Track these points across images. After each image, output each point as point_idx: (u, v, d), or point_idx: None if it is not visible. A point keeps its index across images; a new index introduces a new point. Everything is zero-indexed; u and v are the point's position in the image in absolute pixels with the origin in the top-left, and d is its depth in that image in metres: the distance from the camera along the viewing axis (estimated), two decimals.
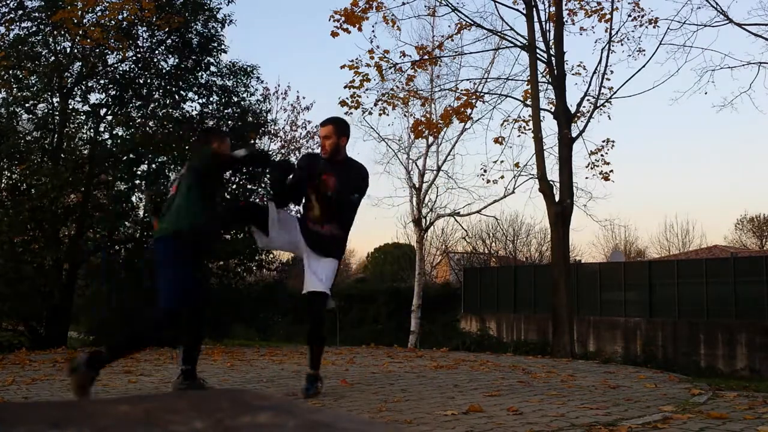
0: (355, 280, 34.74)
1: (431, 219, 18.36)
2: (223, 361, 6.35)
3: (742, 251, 30.71)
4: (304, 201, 4.35)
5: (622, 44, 12.44)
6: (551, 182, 11.59)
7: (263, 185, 12.60)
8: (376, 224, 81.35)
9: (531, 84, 11.88)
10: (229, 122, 12.17)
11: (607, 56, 11.96)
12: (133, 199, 11.58)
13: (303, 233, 4.26)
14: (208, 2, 11.85)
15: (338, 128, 4.29)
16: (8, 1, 10.94)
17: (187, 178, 3.95)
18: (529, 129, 12.44)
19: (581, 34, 12.67)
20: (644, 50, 12.31)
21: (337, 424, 0.61)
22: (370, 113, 13.22)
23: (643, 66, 14.09)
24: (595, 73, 12.08)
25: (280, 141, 22.16)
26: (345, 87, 12.07)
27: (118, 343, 3.95)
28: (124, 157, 10.90)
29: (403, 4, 11.88)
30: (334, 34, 11.34)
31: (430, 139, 16.54)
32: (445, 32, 21.01)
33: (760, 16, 34.67)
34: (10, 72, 10.47)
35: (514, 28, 14.57)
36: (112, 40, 10.75)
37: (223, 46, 12.17)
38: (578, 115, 12.09)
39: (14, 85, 10.70)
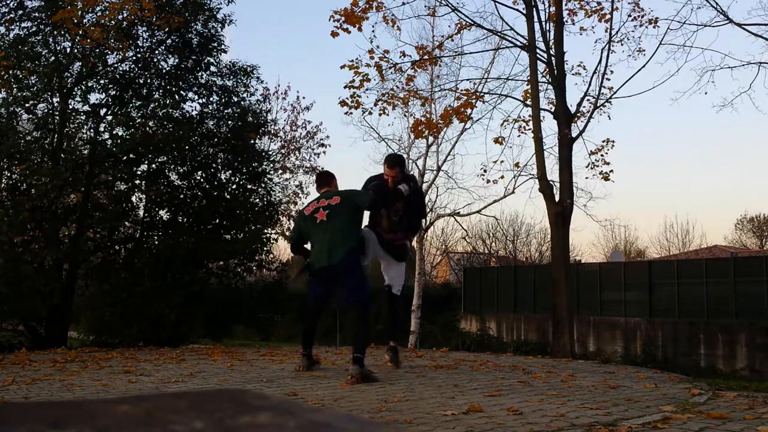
0: None
1: (431, 219, 18.38)
2: (223, 361, 6.35)
3: (742, 251, 30.72)
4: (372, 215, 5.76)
5: (622, 44, 12.46)
6: (551, 182, 11.59)
7: (263, 185, 12.60)
8: None
9: (531, 84, 11.88)
10: (229, 122, 12.16)
11: (607, 56, 11.98)
12: (133, 199, 11.56)
13: (379, 241, 5.64)
14: (208, 2, 11.83)
15: (402, 169, 5.69)
16: (8, 1, 10.93)
17: (348, 212, 5.26)
18: (529, 129, 12.45)
19: (581, 34, 12.69)
20: (644, 50, 12.34)
21: (337, 424, 0.61)
22: (370, 113, 13.23)
23: (643, 66, 14.13)
24: (595, 73, 12.10)
25: (280, 141, 22.22)
26: (345, 87, 12.10)
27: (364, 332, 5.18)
28: (124, 157, 10.88)
29: (403, 4, 11.90)
30: (334, 34, 11.35)
31: (430, 139, 16.55)
32: (445, 32, 21.05)
33: (760, 16, 34.74)
34: (10, 72, 10.45)
35: (514, 28, 14.60)
36: (112, 40, 10.74)
37: (223, 46, 12.16)
38: (578, 115, 12.09)
39: (14, 85, 10.68)
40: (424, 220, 6.13)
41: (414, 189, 5.78)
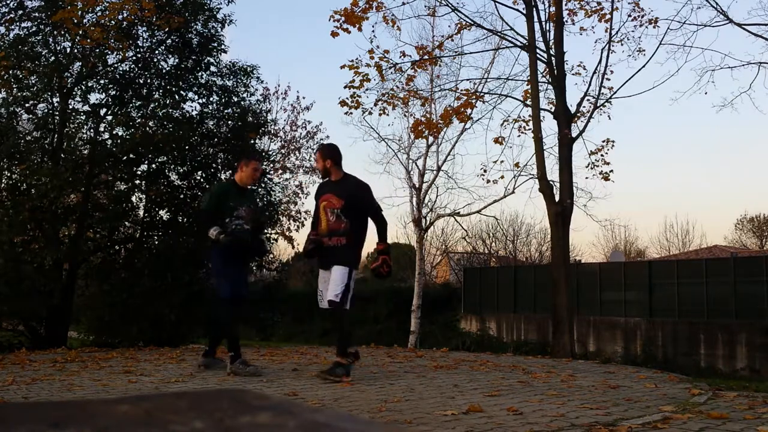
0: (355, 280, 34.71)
1: (431, 219, 18.38)
2: None
3: (742, 251, 30.71)
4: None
5: (622, 44, 12.47)
6: (551, 182, 11.59)
7: (263, 185, 12.59)
8: None
9: (531, 84, 11.88)
10: (229, 122, 12.16)
11: (607, 56, 11.98)
12: (133, 199, 11.56)
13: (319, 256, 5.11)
14: (208, 2, 11.83)
15: (322, 153, 5.14)
16: (8, 1, 10.93)
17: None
18: (529, 129, 12.45)
19: (581, 34, 12.69)
20: (644, 50, 12.34)
21: (337, 424, 0.61)
22: (370, 113, 13.25)
23: (643, 66, 14.14)
24: (595, 73, 12.09)
25: (280, 141, 22.22)
26: (345, 87, 12.11)
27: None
28: (124, 157, 10.88)
29: (403, 4, 11.90)
30: (334, 34, 11.35)
31: (430, 139, 16.55)
32: (445, 32, 21.03)
33: (760, 16, 34.75)
34: (10, 72, 10.45)
35: (514, 28, 14.62)
36: (112, 40, 10.74)
37: (223, 46, 12.16)
38: (578, 115, 12.09)
39: (14, 85, 10.68)
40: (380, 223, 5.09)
41: (357, 185, 5.10)
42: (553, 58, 11.77)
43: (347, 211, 4.94)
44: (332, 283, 4.87)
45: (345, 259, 4.92)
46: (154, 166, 11.63)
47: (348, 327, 5.14)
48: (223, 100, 12.19)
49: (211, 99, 12.14)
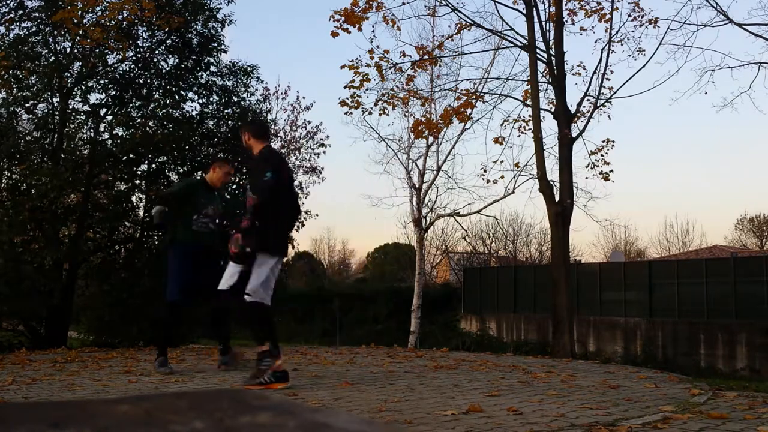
0: (355, 280, 34.80)
1: (431, 219, 18.37)
2: None
3: (742, 251, 30.71)
4: None
5: (622, 44, 12.47)
6: (551, 182, 11.59)
7: None
8: (376, 224, 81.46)
9: (531, 84, 11.88)
10: (229, 122, 12.16)
11: (607, 56, 11.98)
12: (133, 199, 11.57)
13: None
14: (208, 2, 11.84)
15: (243, 128, 4.89)
16: (8, 1, 10.94)
17: None
18: (529, 129, 12.45)
19: (581, 34, 12.69)
20: (644, 50, 12.34)
21: (337, 424, 0.61)
22: (370, 113, 13.25)
23: (643, 66, 14.14)
24: (595, 73, 12.09)
25: (280, 141, 22.19)
26: (345, 87, 12.10)
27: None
28: (124, 157, 10.88)
29: (403, 4, 11.90)
30: (334, 34, 11.35)
31: (430, 139, 16.55)
32: (445, 32, 21.05)
33: (760, 16, 34.75)
34: (10, 72, 10.46)
35: (514, 28, 14.63)
36: (112, 40, 10.75)
37: (223, 46, 12.17)
38: (578, 115, 12.09)
39: (14, 85, 10.69)
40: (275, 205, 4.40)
41: (261, 156, 4.55)
42: (553, 58, 11.77)
43: (253, 187, 4.40)
44: (253, 275, 4.35)
45: (255, 243, 4.29)
46: (154, 166, 11.63)
47: (264, 320, 4.62)
48: (223, 100, 12.19)
49: (211, 99, 12.16)
